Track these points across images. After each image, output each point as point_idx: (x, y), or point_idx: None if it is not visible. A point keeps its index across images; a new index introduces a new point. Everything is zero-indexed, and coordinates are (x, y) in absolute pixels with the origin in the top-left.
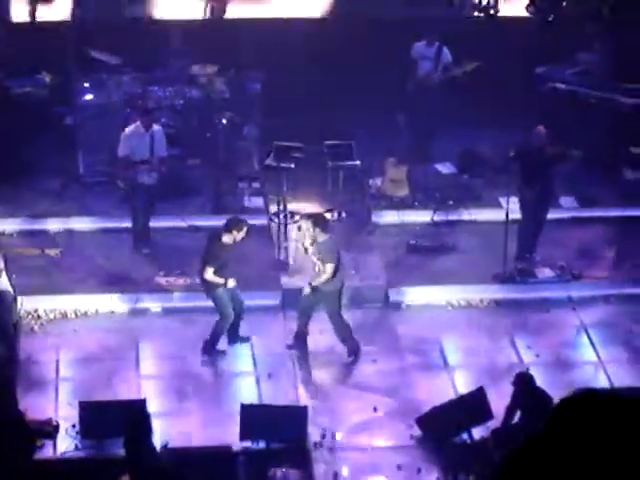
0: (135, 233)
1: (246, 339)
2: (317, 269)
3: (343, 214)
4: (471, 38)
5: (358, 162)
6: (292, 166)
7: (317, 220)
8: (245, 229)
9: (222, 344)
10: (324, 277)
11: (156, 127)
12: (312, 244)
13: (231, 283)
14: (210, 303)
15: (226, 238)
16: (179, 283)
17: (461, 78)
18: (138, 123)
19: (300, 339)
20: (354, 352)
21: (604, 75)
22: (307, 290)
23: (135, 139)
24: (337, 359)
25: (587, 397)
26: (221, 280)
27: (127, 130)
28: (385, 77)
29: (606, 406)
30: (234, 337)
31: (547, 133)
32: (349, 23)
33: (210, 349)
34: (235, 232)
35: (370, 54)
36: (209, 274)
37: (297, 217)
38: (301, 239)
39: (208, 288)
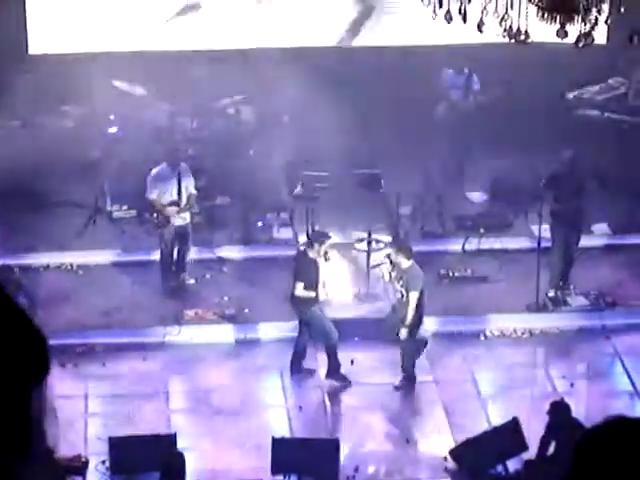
0: (163, 266)
1: (312, 371)
2: (400, 298)
3: (374, 243)
4: (500, 64)
5: (383, 190)
6: (318, 196)
7: (399, 246)
8: (327, 242)
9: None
10: (410, 311)
11: (182, 165)
12: (394, 271)
13: (322, 295)
14: (240, 335)
15: (311, 253)
16: (208, 316)
17: (491, 104)
18: (164, 164)
19: (408, 379)
20: (409, 381)
21: (636, 100)
22: (403, 333)
23: (162, 181)
24: (368, 390)
25: (613, 427)
26: (312, 293)
27: (153, 172)
28: (415, 105)
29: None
30: (298, 368)
31: (579, 159)
32: (376, 52)
33: (297, 368)
34: (317, 245)
35: (399, 82)
36: (299, 289)
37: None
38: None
39: (301, 308)
